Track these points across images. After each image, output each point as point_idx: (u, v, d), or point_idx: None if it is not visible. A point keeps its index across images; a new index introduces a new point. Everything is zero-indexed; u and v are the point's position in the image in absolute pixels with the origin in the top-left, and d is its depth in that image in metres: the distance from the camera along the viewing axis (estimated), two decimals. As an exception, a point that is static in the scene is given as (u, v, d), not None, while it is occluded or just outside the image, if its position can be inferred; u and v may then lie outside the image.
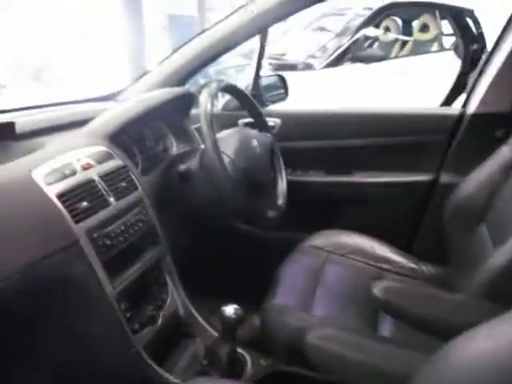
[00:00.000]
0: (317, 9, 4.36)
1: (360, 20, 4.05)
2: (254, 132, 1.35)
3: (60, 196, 0.92)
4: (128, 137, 1.28)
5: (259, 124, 1.42)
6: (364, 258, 1.32)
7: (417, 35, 4.53)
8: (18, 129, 1.08)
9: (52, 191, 0.92)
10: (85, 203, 0.97)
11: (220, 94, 1.66)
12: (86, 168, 1.02)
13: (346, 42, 3.93)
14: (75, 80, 4.41)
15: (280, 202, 1.37)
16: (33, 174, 0.93)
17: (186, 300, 1.27)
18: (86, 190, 0.99)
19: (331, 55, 3.91)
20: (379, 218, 1.57)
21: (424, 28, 4.46)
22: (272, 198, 1.36)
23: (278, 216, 1.31)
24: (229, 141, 1.24)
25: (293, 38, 4.55)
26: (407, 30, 4.61)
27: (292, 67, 3.82)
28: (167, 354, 1.21)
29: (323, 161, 1.65)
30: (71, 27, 5.10)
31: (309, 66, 3.89)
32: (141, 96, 1.37)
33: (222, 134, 1.28)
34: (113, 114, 1.23)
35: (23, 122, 1.14)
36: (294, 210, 1.35)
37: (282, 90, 1.80)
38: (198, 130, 1.43)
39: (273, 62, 3.85)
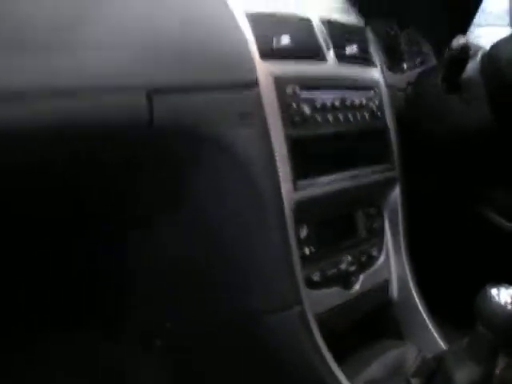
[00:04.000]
0: None
1: None
2: None
3: (250, 17, 0.61)
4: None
5: None
6: None
7: None
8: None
9: (240, 8, 0.62)
10: (286, 40, 0.63)
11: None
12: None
13: None
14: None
15: None
16: None
17: (409, 274, 0.75)
18: (294, 26, 0.66)
19: None
20: None
21: None
22: None
23: None
24: None
25: None
26: None
27: None
28: (352, 347, 0.72)
29: None
30: None
31: None
32: None
33: None
34: None
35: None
36: None
37: None
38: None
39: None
